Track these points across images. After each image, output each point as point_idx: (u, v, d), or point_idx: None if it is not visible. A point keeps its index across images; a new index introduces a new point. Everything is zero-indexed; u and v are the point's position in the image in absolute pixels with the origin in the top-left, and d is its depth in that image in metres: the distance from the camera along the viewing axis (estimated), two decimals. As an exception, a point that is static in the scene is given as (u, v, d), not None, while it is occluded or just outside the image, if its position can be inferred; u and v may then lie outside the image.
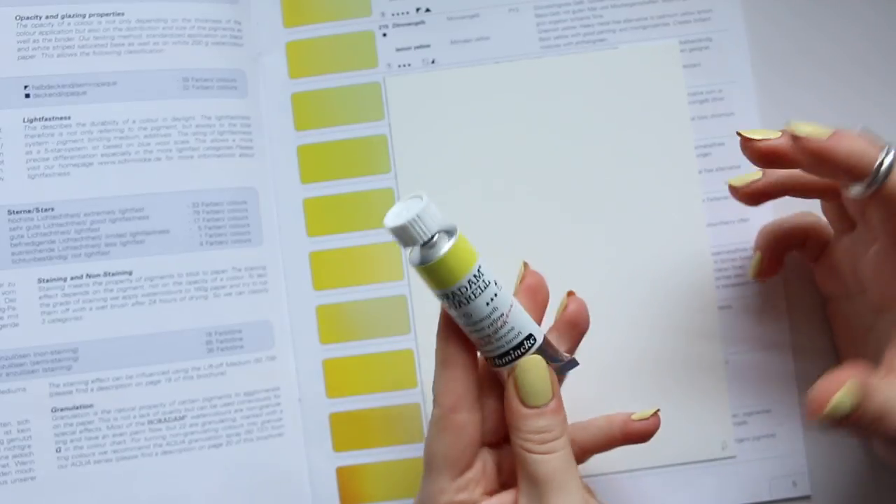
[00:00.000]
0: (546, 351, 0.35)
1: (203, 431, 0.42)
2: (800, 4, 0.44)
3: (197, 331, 0.42)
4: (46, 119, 0.42)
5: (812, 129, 0.34)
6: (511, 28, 0.45)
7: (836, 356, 0.43)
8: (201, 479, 0.42)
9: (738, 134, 0.35)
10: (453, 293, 0.33)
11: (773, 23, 0.44)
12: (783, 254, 0.41)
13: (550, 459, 0.34)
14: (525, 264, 0.37)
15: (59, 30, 0.43)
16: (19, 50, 0.42)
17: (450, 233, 0.33)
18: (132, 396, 0.42)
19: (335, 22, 0.45)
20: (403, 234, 0.32)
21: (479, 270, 0.33)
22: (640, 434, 0.37)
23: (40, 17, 0.42)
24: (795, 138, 0.34)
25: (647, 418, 0.37)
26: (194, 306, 0.42)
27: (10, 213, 0.41)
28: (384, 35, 0.45)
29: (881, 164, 0.32)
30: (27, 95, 0.42)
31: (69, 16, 0.43)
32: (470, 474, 0.36)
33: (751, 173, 0.38)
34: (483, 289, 0.33)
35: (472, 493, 0.36)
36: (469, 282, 0.32)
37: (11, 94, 0.42)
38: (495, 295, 0.33)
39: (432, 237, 0.32)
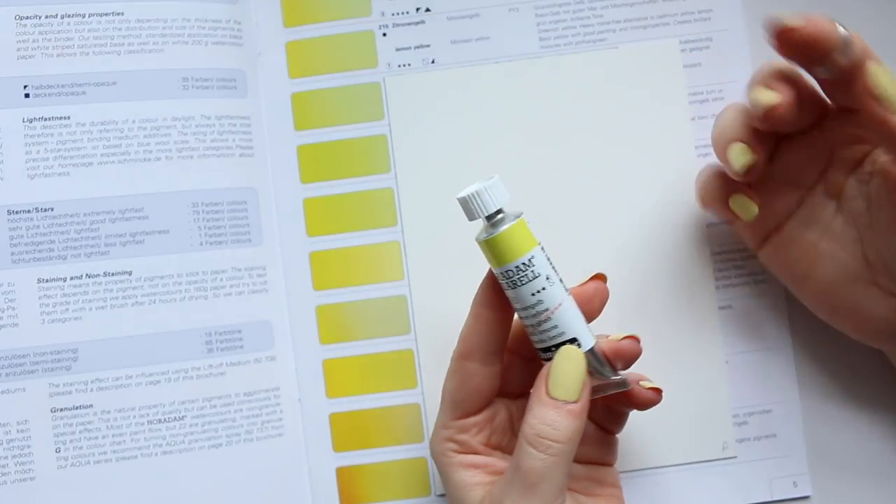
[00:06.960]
0: (590, 360, 0.35)
1: (203, 431, 0.42)
2: (800, 5, 0.44)
3: (197, 331, 0.42)
4: (46, 119, 0.42)
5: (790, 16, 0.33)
6: (511, 28, 0.45)
7: (830, 344, 0.43)
8: (201, 479, 0.42)
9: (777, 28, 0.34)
10: (503, 273, 0.35)
11: (774, 23, 0.44)
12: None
13: (538, 457, 0.34)
14: (599, 276, 0.38)
15: (59, 30, 0.42)
16: (19, 50, 0.42)
17: (516, 217, 0.35)
18: (132, 396, 0.42)
19: (335, 22, 0.45)
20: (465, 207, 0.35)
21: (530, 260, 0.34)
22: (640, 399, 0.37)
23: (40, 17, 0.42)
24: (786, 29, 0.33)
25: (653, 388, 0.37)
26: (194, 306, 0.42)
27: (10, 213, 0.41)
28: (384, 35, 0.45)
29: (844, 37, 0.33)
30: (27, 95, 0.42)
31: (69, 16, 0.43)
32: (475, 419, 0.37)
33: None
34: (531, 279, 0.34)
35: (472, 438, 0.37)
36: (517, 267, 0.34)
37: (11, 94, 0.42)
38: (543, 289, 0.35)
39: (494, 215, 0.35)
